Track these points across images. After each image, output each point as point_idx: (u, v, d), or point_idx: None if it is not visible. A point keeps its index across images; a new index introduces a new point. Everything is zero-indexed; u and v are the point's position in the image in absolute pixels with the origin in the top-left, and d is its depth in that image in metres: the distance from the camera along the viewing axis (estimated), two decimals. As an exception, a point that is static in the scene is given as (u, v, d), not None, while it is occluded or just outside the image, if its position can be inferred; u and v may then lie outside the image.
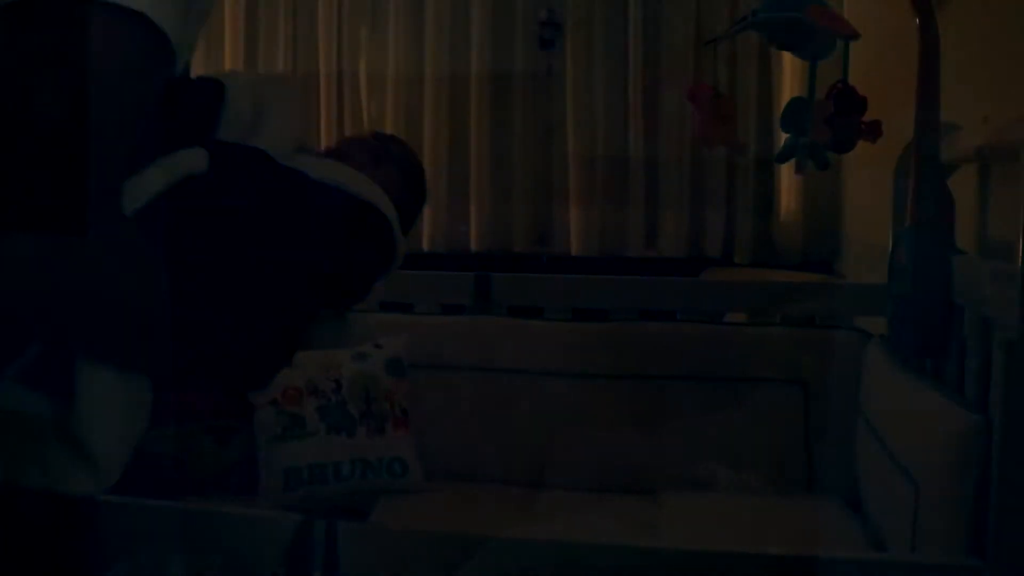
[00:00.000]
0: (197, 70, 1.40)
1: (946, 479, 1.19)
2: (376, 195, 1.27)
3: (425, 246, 3.20)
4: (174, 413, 1.61)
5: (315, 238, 1.17)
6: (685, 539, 1.41)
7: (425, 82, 3.17)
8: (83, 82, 0.71)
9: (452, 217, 3.22)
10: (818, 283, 1.89)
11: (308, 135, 1.32)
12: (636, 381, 1.81)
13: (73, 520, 0.93)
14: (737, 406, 1.77)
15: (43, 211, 0.74)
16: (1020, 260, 1.10)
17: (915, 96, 1.43)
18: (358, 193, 1.24)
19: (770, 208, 3.07)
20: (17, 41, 0.70)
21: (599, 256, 3.08)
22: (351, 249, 1.23)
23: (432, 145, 3.19)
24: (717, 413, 1.78)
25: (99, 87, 0.71)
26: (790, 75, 2.97)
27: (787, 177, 3.07)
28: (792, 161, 1.52)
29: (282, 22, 3.26)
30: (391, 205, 1.29)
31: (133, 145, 0.78)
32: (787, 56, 2.90)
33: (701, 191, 3.09)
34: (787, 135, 1.53)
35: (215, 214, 1.07)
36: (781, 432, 1.76)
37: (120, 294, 0.83)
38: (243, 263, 1.09)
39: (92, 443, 0.85)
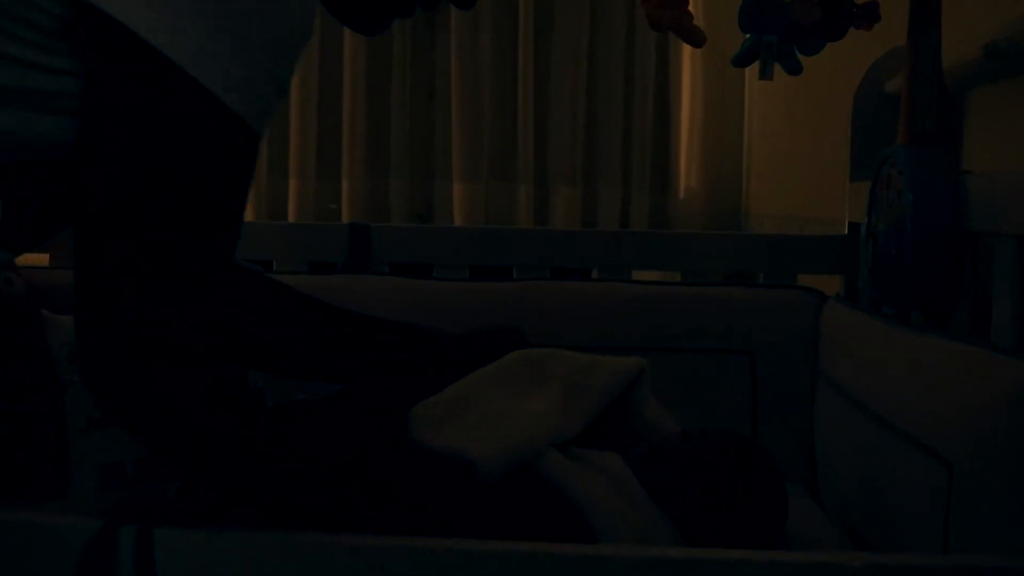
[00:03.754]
0: None
1: (1000, 453, 0.84)
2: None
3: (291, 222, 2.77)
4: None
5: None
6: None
7: (292, 39, 2.74)
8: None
9: (320, 192, 2.80)
10: (758, 236, 1.55)
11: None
12: (548, 352, 1.43)
13: None
14: (670, 380, 1.40)
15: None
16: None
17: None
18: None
19: (668, 185, 2.75)
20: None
21: (485, 235, 2.71)
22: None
23: (299, 111, 2.76)
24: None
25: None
26: None
27: (687, 153, 2.76)
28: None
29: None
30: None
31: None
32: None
33: (594, 167, 2.75)
34: (747, 37, 1.18)
35: None
36: (723, 411, 1.41)
37: None
38: None
39: None
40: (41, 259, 1.57)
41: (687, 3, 1.09)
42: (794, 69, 1.14)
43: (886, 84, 1.41)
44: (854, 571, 0.78)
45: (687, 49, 2.73)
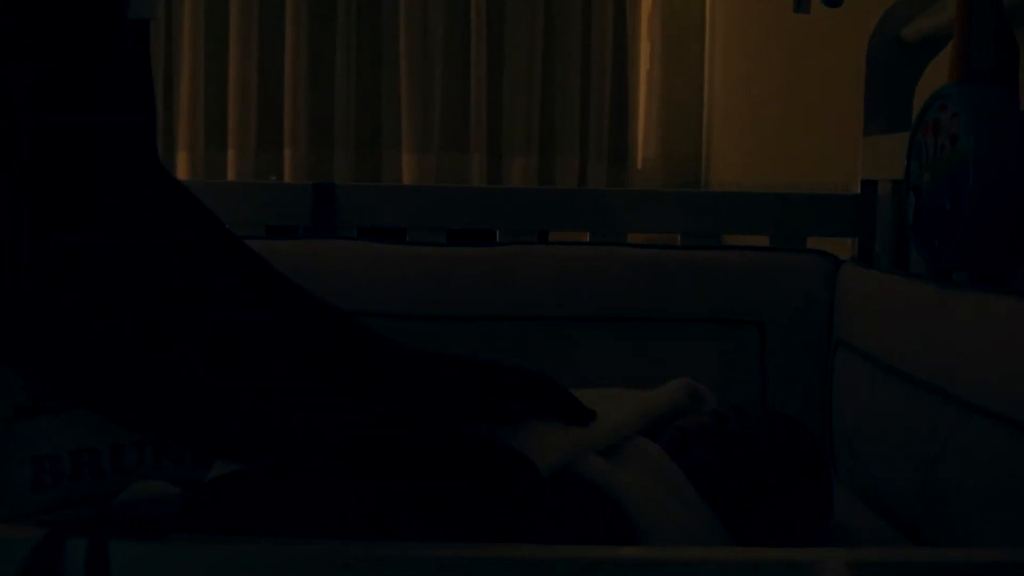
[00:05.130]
0: None
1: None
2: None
3: (229, 196, 2.55)
4: None
5: None
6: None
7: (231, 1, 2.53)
8: None
9: (260, 164, 2.59)
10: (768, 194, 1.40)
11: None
12: (538, 324, 1.27)
13: None
14: (672, 355, 1.26)
15: None
16: None
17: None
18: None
19: (625, 155, 2.60)
20: None
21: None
22: None
23: (237, 77, 2.54)
24: (646, 365, 1.26)
25: None
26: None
27: (644, 122, 2.61)
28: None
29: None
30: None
31: None
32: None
33: (550, 136, 2.59)
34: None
35: None
36: (730, 386, 1.26)
37: None
38: None
39: None
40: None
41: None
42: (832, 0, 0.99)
43: (903, 30, 1.27)
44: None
45: (645, 16, 2.59)
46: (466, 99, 2.55)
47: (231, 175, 2.57)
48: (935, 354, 0.95)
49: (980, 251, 0.94)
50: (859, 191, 1.31)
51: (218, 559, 0.68)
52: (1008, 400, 0.82)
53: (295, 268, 1.19)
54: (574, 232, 1.39)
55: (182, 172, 2.56)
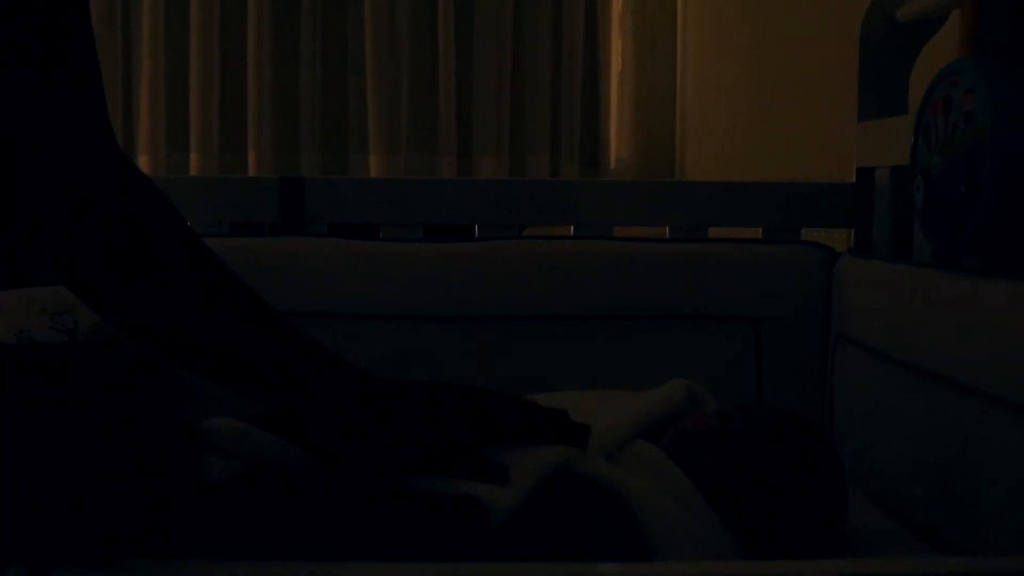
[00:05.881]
0: None
1: None
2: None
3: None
4: None
5: None
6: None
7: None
8: None
9: (224, 166, 2.50)
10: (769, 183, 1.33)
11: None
12: (523, 323, 1.19)
13: None
14: (663, 354, 1.19)
15: None
16: None
17: None
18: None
19: (598, 154, 2.53)
20: None
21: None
22: None
23: (200, 76, 2.44)
24: (635, 365, 1.19)
25: None
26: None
27: (617, 121, 2.55)
28: None
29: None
30: None
31: None
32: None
33: (521, 136, 2.51)
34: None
35: None
36: (725, 386, 1.18)
37: None
38: None
39: None
40: None
41: None
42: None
43: (897, 11, 1.21)
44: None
45: (616, 14, 2.53)
46: (435, 99, 2.47)
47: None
48: (954, 346, 0.88)
49: (1000, 236, 0.87)
50: (854, 179, 1.24)
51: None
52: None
53: (263, 268, 1.11)
54: (556, 227, 1.31)
55: (142, 176, 2.46)
